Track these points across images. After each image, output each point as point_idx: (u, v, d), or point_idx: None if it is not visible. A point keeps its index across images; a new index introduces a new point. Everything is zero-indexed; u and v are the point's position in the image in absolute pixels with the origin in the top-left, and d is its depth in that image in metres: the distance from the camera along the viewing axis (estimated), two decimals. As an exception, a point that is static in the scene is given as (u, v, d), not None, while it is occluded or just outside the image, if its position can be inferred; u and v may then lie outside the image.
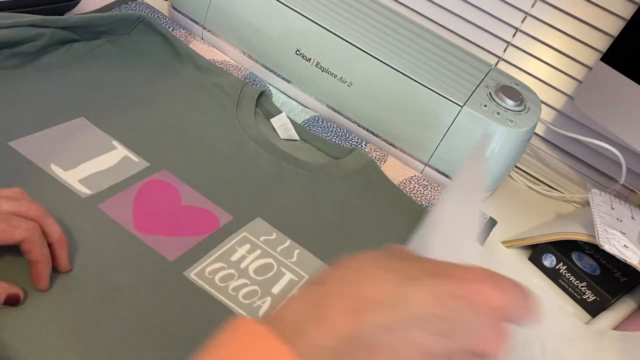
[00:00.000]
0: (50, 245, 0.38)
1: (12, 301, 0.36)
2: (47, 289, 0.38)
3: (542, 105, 0.71)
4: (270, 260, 0.47)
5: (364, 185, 0.58)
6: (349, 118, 0.65)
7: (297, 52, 0.65)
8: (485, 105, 0.59)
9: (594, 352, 0.50)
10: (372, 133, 0.64)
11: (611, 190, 0.70)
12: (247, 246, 0.47)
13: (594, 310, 0.57)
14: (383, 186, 0.58)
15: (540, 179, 0.74)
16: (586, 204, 0.71)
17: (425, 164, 0.63)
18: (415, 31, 0.66)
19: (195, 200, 0.49)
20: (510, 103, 0.60)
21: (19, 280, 0.37)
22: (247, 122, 0.60)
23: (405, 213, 0.56)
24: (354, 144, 0.63)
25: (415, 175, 0.62)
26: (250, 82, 0.66)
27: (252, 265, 0.46)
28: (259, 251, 0.47)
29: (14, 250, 0.36)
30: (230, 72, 0.66)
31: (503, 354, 0.25)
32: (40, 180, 0.45)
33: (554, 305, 0.55)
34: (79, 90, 0.55)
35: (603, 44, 0.67)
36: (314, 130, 0.63)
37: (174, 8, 0.72)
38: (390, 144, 0.64)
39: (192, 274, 0.43)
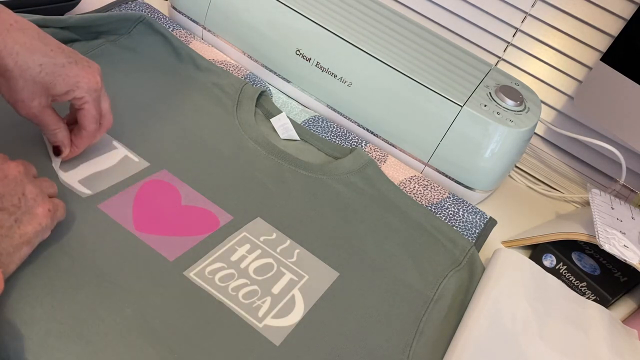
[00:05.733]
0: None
1: (58, 151, 0.46)
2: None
3: (542, 105, 0.71)
4: (270, 260, 0.47)
5: (364, 185, 0.58)
6: (349, 118, 0.65)
7: (297, 52, 0.65)
8: (485, 105, 0.59)
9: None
10: (372, 133, 0.64)
11: (611, 190, 0.70)
12: (247, 246, 0.47)
13: (594, 310, 0.57)
14: (383, 186, 0.58)
15: (540, 179, 0.74)
16: (586, 204, 0.71)
17: (425, 164, 0.63)
18: (415, 31, 0.66)
19: (195, 200, 0.49)
20: (510, 103, 0.60)
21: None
22: (247, 122, 0.60)
23: (405, 213, 0.56)
24: (354, 144, 0.63)
25: (415, 175, 0.62)
26: (250, 82, 0.66)
27: (252, 265, 0.46)
28: (259, 251, 0.47)
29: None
30: (230, 72, 0.66)
31: None
32: (40, 180, 0.45)
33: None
34: (79, 90, 0.55)
35: (603, 44, 0.67)
36: (314, 130, 0.63)
37: (174, 8, 0.72)
38: (390, 144, 0.64)
39: (192, 274, 0.43)
